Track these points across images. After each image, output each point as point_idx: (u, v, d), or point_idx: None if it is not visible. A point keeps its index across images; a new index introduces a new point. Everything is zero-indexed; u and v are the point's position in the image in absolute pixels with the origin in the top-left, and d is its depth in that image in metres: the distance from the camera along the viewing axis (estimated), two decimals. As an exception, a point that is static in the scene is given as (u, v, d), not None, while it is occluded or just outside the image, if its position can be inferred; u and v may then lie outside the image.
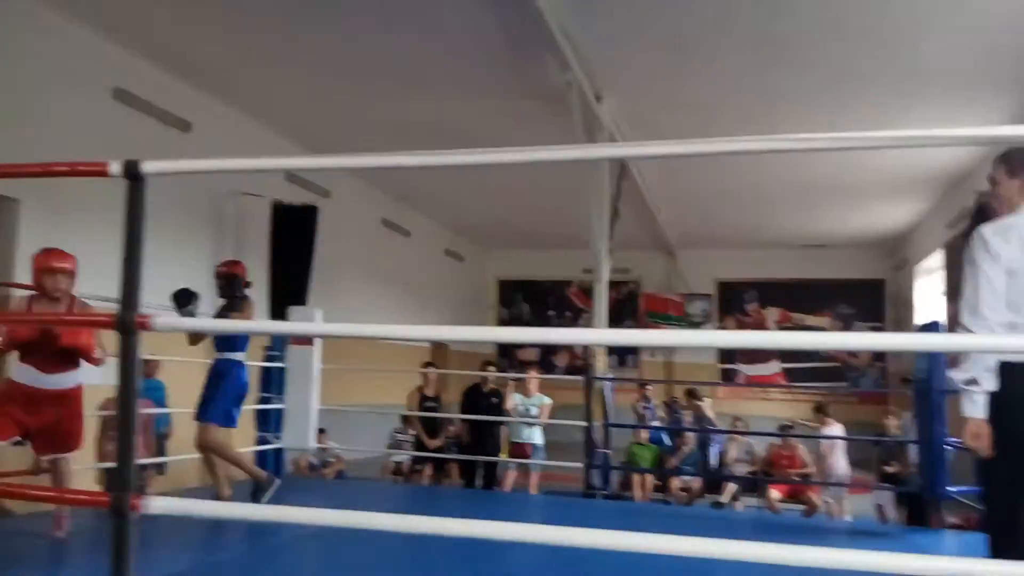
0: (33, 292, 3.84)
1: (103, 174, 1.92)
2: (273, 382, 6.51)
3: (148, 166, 1.87)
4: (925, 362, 5.78)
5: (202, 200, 8.16)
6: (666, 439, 8.25)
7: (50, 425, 3.60)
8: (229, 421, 4.75)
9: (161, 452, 6.57)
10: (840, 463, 7.47)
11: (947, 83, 7.45)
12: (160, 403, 6.66)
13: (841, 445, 7.53)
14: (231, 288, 4.84)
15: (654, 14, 6.36)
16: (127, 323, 1.77)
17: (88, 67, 6.83)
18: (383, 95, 8.15)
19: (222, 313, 4.79)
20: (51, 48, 6.46)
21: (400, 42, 6.93)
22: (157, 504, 1.67)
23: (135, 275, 1.82)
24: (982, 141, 2.09)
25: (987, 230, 2.55)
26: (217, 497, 4.60)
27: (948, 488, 5.43)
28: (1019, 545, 2.49)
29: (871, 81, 7.51)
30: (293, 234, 8.33)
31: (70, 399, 3.70)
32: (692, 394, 8.60)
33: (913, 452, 6.34)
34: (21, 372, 3.62)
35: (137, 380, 1.84)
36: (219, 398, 4.67)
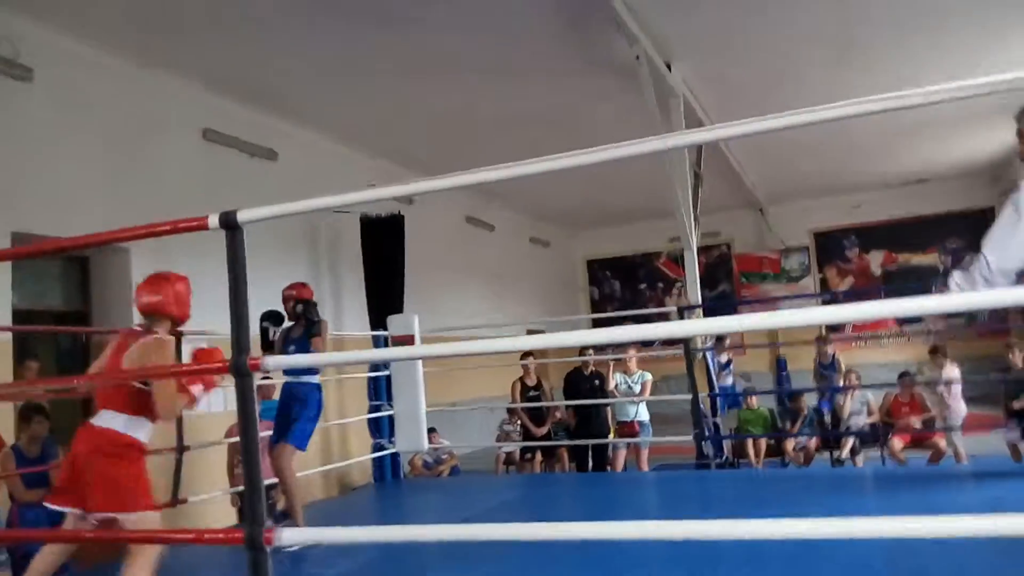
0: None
1: (203, 228, 2.10)
2: (381, 389, 6.78)
3: (243, 215, 2.04)
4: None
5: (296, 222, 8.52)
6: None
7: None
8: (305, 445, 4.71)
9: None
10: (960, 405, 7.18)
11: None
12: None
13: (959, 387, 7.23)
14: (308, 311, 4.74)
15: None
16: (241, 367, 1.93)
17: (177, 112, 7.24)
18: (456, 93, 8.28)
19: (301, 337, 4.70)
20: (142, 99, 6.89)
21: (468, 38, 7.00)
22: (289, 536, 1.82)
23: (243, 320, 1.99)
24: None
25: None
26: (293, 523, 4.49)
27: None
28: None
29: (958, 14, 7.12)
30: (383, 244, 8.59)
31: None
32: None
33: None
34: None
35: (255, 415, 2.00)
36: (302, 421, 4.65)
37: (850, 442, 7.20)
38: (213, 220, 2.05)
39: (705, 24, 7.24)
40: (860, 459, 7.13)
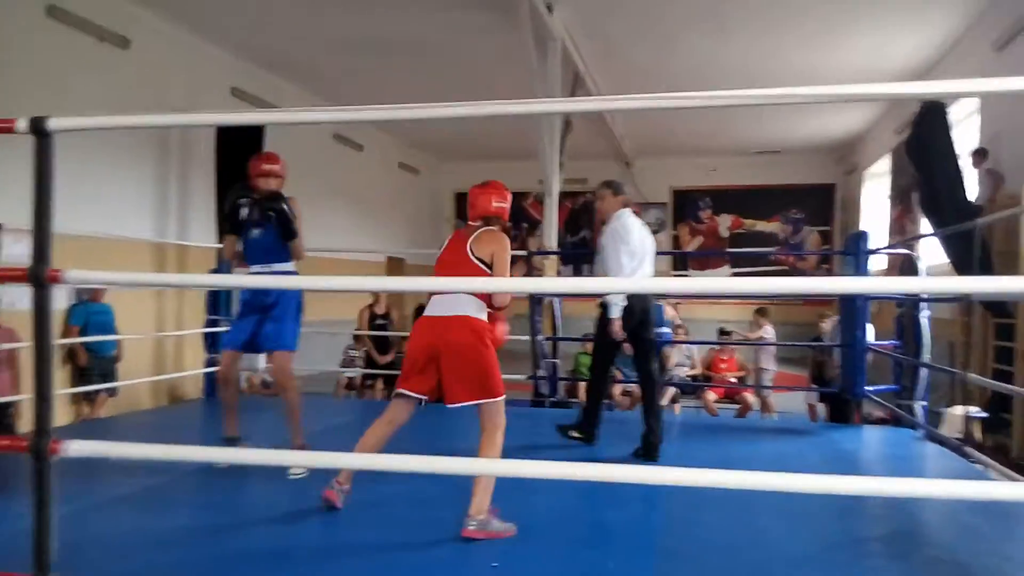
0: None
1: (9, 131, 1.97)
2: (221, 303, 6.60)
3: (54, 123, 1.93)
4: (852, 269, 6.07)
5: (143, 115, 8.00)
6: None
7: None
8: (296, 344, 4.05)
9: (111, 375, 6.71)
10: (770, 364, 7.96)
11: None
12: (108, 327, 6.75)
13: (771, 347, 7.98)
14: (284, 209, 3.89)
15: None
16: (40, 277, 1.87)
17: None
18: (333, 8, 7.94)
19: (268, 229, 3.89)
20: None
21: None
22: (76, 448, 1.82)
23: (46, 230, 1.91)
24: (890, 97, 2.16)
25: (617, 224, 4.42)
26: (292, 445, 3.96)
27: (866, 388, 5.82)
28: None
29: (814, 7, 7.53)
30: (240, 154, 8.19)
31: None
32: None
33: (838, 354, 6.73)
34: None
35: (52, 331, 1.96)
36: (290, 320, 3.99)
37: (671, 391, 7.74)
38: (21, 124, 1.92)
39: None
40: (678, 407, 7.69)
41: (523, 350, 7.09)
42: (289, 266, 4.01)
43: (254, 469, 3.86)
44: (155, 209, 8.30)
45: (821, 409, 7.72)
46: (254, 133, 8.40)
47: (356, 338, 8.24)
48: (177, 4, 7.88)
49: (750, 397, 7.61)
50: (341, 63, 9.89)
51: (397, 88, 11.01)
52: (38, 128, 1.95)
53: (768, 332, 8.10)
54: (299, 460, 3.27)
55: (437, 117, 1.97)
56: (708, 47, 9.25)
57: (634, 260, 4.41)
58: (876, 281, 2.33)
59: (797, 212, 15.60)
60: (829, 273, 15.30)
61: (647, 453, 4.40)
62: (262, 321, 3.92)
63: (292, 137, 10.15)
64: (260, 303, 3.94)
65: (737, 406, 7.63)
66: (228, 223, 3.98)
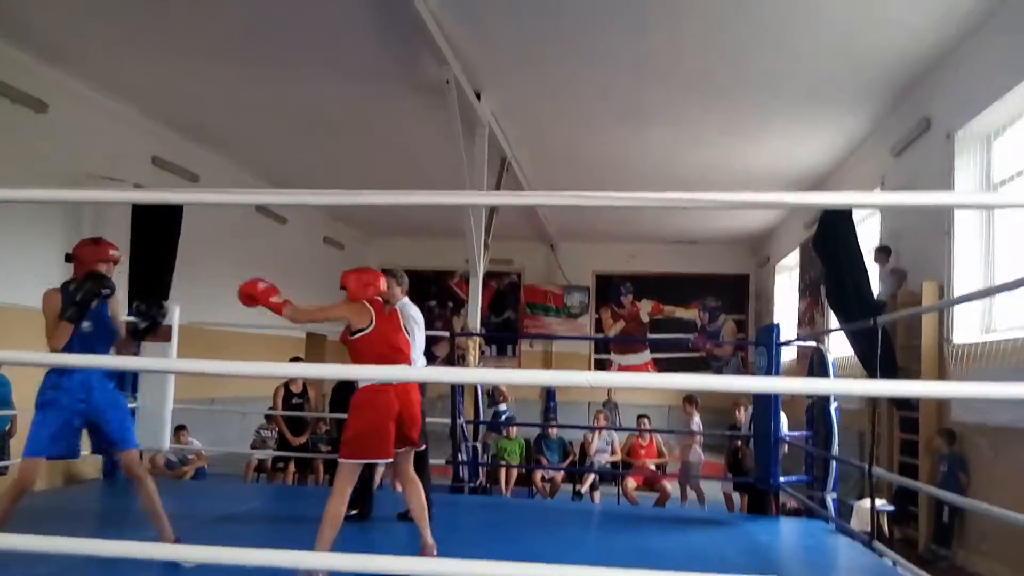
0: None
1: None
2: (126, 379, 6.29)
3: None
4: (764, 361, 6.23)
5: (58, 182, 7.70)
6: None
7: None
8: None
9: (3, 452, 6.25)
10: (698, 452, 7.93)
11: (804, 94, 7.95)
12: (4, 400, 6.32)
13: (700, 437, 7.98)
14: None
15: (532, 15, 6.47)
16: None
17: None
18: (257, 75, 7.90)
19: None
20: None
21: (272, 21, 6.71)
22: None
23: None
24: (789, 206, 2.27)
25: (412, 310, 5.04)
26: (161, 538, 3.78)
27: (779, 479, 5.90)
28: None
29: (734, 92, 7.93)
30: (157, 224, 7.99)
31: None
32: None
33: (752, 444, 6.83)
34: None
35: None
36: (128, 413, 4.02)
37: (591, 478, 7.69)
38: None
39: (515, 62, 7.53)
40: (598, 495, 7.64)
41: (444, 432, 6.97)
42: None
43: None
44: (60, 278, 7.91)
45: (738, 498, 7.79)
46: (174, 210, 8.19)
47: (268, 418, 7.94)
48: (97, 69, 7.72)
49: (668, 485, 7.61)
50: (267, 134, 9.84)
51: (324, 160, 11.00)
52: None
53: (696, 422, 8.01)
54: (190, 555, 3.06)
55: (365, 204, 1.95)
56: (628, 137, 9.62)
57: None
58: (787, 382, 2.40)
59: (714, 300, 16.08)
60: (744, 361, 15.71)
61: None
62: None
63: (214, 207, 9.95)
64: None
65: (656, 494, 7.60)
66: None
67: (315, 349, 13.64)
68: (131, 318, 3.91)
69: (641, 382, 1.87)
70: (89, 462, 7.49)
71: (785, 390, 5.01)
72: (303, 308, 3.77)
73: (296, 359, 8.42)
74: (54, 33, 6.98)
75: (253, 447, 7.93)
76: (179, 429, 7.47)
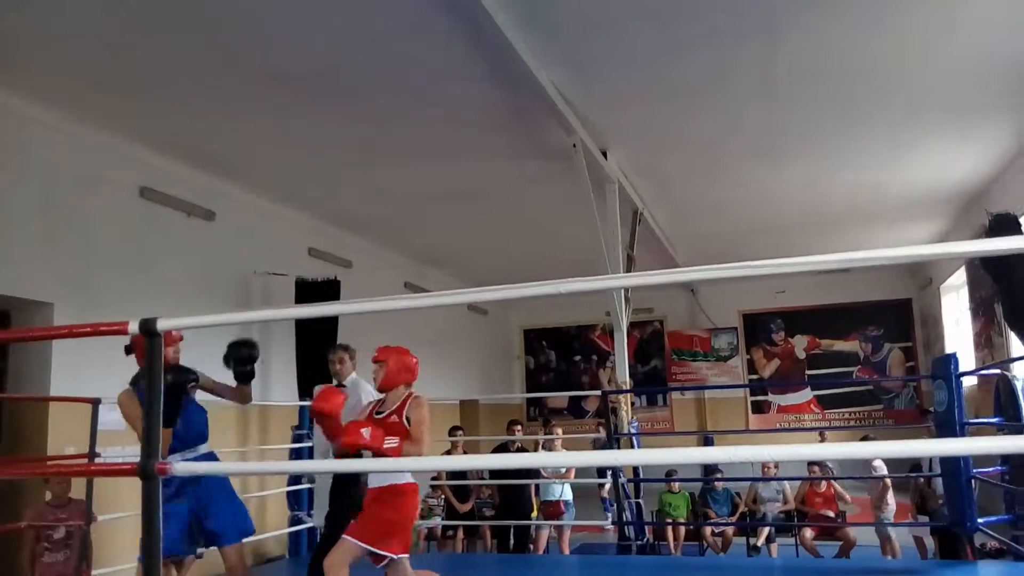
0: None
1: (123, 333, 2.12)
2: (304, 457, 6.68)
3: (163, 323, 2.08)
4: (944, 395, 5.81)
5: (228, 281, 8.44)
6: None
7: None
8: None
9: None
10: (891, 499, 7.32)
11: (950, 108, 7.53)
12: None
13: (890, 480, 7.30)
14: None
15: (649, 67, 6.50)
16: (148, 471, 1.96)
17: (115, 170, 7.18)
18: (395, 166, 8.42)
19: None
20: (80, 155, 6.82)
21: (409, 118, 7.15)
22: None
23: (156, 426, 2.01)
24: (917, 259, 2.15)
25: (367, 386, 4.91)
26: None
27: (977, 521, 5.42)
28: None
29: (875, 112, 7.61)
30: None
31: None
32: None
33: (939, 483, 6.34)
34: None
35: (159, 517, 2.02)
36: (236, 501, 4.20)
37: (766, 531, 7.35)
38: (133, 326, 2.08)
39: (638, 116, 7.57)
40: (775, 547, 7.28)
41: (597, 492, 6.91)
42: None
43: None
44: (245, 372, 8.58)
45: (931, 542, 7.20)
46: (331, 287, 8.77)
47: (434, 487, 8.17)
48: (257, 176, 8.46)
49: (850, 533, 7.14)
50: (409, 216, 10.35)
51: (463, 233, 11.42)
52: (148, 329, 2.10)
53: (879, 465, 7.32)
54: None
55: (520, 296, 2.05)
56: (763, 177, 9.39)
57: None
58: (980, 443, 2.23)
59: (875, 329, 15.16)
60: (917, 392, 14.65)
61: None
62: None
63: (366, 287, 10.53)
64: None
65: (838, 543, 7.15)
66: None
67: (469, 414, 13.94)
68: (238, 367, 3.93)
69: (800, 453, 1.82)
70: (273, 540, 7.97)
71: (978, 450, 4.63)
72: (416, 437, 3.77)
73: (456, 428, 8.64)
74: (225, 153, 7.74)
75: (421, 517, 8.15)
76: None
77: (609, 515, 8.05)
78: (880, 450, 1.68)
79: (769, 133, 8.14)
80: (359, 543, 3.62)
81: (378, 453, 3.54)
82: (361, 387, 5.16)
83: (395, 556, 3.70)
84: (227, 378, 4.38)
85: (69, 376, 6.22)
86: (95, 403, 4.76)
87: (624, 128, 7.87)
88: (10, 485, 6.38)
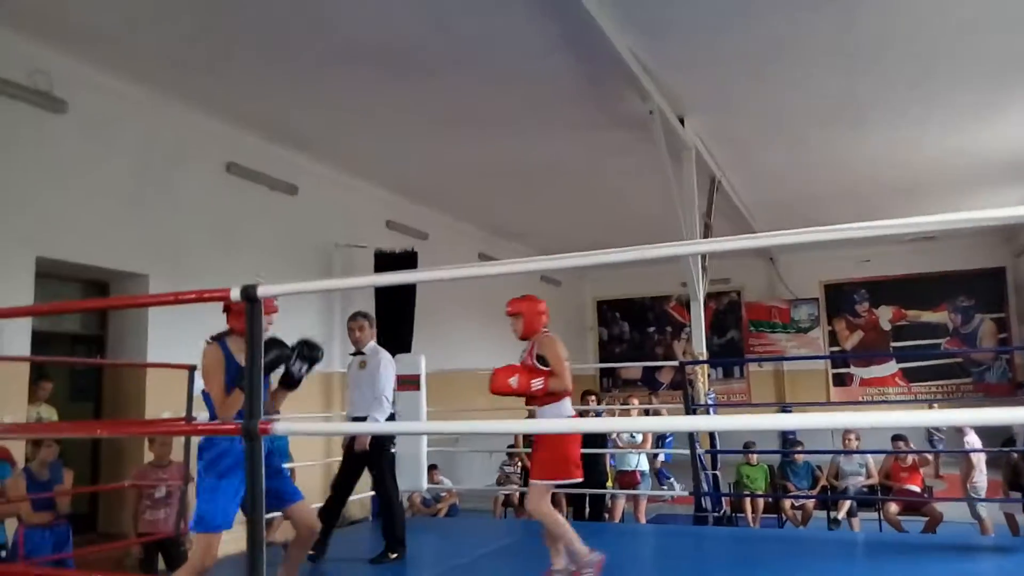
0: None
1: (225, 299, 2.23)
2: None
3: (262, 290, 2.17)
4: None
5: (310, 253, 8.70)
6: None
7: None
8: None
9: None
10: (981, 475, 7.03)
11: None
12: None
13: (982, 456, 6.96)
14: None
15: (727, 32, 6.38)
16: (252, 431, 2.06)
17: (203, 145, 7.46)
18: (473, 139, 8.48)
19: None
20: (170, 131, 7.13)
21: (486, 90, 7.21)
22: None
23: (257, 388, 2.11)
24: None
25: (385, 355, 5.24)
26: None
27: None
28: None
29: (957, 76, 7.27)
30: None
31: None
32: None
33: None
34: None
35: (263, 480, 2.12)
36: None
37: (847, 504, 7.21)
38: (235, 293, 2.18)
39: (715, 82, 7.42)
40: (857, 522, 7.14)
41: (680, 461, 6.90)
42: None
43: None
44: (321, 340, 8.85)
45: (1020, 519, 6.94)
46: (409, 258, 8.95)
47: (510, 454, 8.29)
48: (337, 150, 8.65)
49: (937, 509, 6.93)
50: (484, 188, 10.42)
51: (538, 205, 11.42)
52: (249, 295, 2.20)
53: (972, 439, 7.00)
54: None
55: (596, 264, 2.06)
56: (844, 140, 9.06)
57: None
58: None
59: (965, 299, 14.52)
60: (1011, 364, 14.02)
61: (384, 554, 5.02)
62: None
63: (441, 258, 10.68)
64: None
65: (924, 519, 6.96)
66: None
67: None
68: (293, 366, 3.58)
69: (892, 421, 1.77)
70: (355, 504, 8.24)
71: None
72: (556, 371, 3.98)
73: (588, 393, 8.74)
74: (306, 128, 7.94)
75: (498, 483, 8.30)
76: (431, 468, 8.01)
77: (666, 488, 8.06)
78: (968, 417, 1.64)
79: (848, 99, 7.85)
80: (545, 482, 3.91)
81: (528, 396, 3.87)
82: (381, 355, 5.26)
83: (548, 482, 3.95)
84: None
85: (163, 345, 6.54)
86: (191, 369, 4.99)
87: (701, 94, 7.71)
88: (114, 448, 6.80)
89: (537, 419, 3.10)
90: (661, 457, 8.41)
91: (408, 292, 8.69)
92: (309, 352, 3.54)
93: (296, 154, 8.52)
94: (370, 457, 5.23)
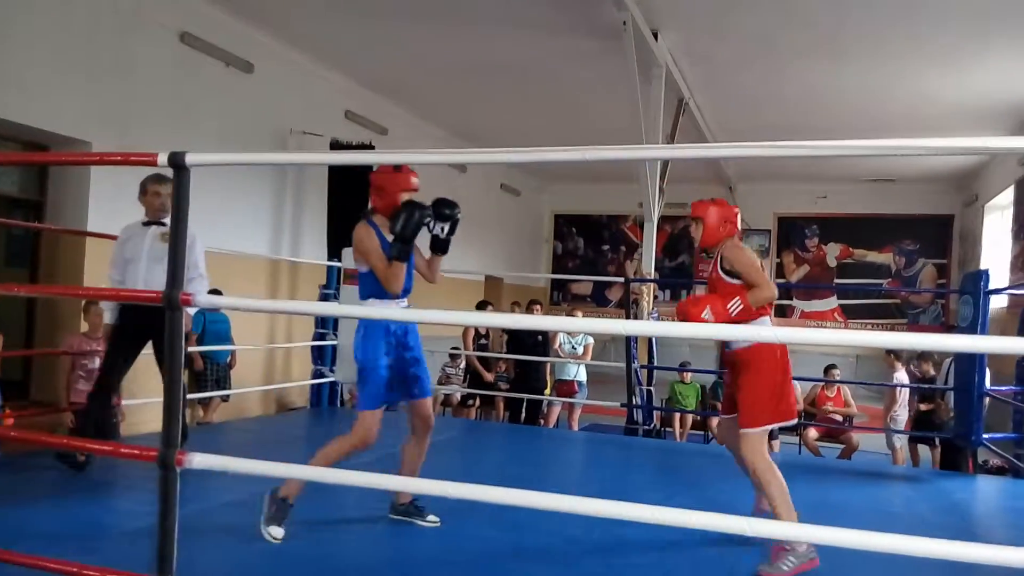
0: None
1: (152, 163, 2.15)
2: (328, 319, 6.87)
3: (191, 158, 2.10)
4: (969, 311, 5.77)
5: (263, 137, 8.44)
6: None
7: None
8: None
9: (225, 382, 7.06)
10: (903, 411, 7.38)
11: (1017, 19, 7.09)
12: (224, 335, 7.11)
13: (906, 391, 7.32)
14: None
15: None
16: (173, 300, 2.03)
17: (157, 13, 7.08)
18: (438, 32, 8.19)
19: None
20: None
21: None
22: (199, 460, 1.95)
23: (181, 257, 2.07)
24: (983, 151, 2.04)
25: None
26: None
27: (982, 436, 5.50)
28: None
29: (941, 17, 7.21)
30: (350, 174, 8.54)
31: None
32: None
33: (951, 397, 6.38)
34: None
35: (183, 350, 2.11)
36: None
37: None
38: (162, 158, 2.10)
39: (695, -2, 7.25)
40: (778, 444, 7.46)
41: (618, 375, 7.06)
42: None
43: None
44: (271, 227, 8.74)
45: (927, 453, 7.36)
46: (367, 151, 8.73)
47: (452, 356, 8.40)
48: (298, 31, 8.29)
49: (854, 437, 7.29)
50: (449, 87, 10.16)
51: (503, 110, 11.20)
52: (177, 163, 2.13)
53: (901, 376, 7.38)
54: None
55: (548, 160, 2.03)
56: (821, 73, 9.00)
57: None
58: (998, 341, 2.22)
59: (911, 243, 14.89)
60: (945, 310, 14.53)
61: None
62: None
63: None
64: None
65: (841, 446, 7.32)
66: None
67: (493, 291, 14.14)
68: (433, 229, 3.36)
69: (835, 338, 1.83)
70: (296, 391, 8.33)
71: (995, 349, 4.59)
72: (755, 282, 3.24)
73: (484, 303, 8.80)
74: (265, 1, 7.55)
75: (439, 383, 8.43)
76: (373, 365, 8.09)
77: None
78: (890, 340, 1.69)
79: (831, 28, 7.75)
80: (755, 429, 3.15)
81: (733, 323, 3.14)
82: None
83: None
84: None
85: (106, 217, 6.36)
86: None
87: (678, 7, 7.53)
88: (49, 316, 6.68)
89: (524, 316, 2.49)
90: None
91: (363, 185, 8.50)
92: (447, 210, 3.35)
93: (255, 30, 8.16)
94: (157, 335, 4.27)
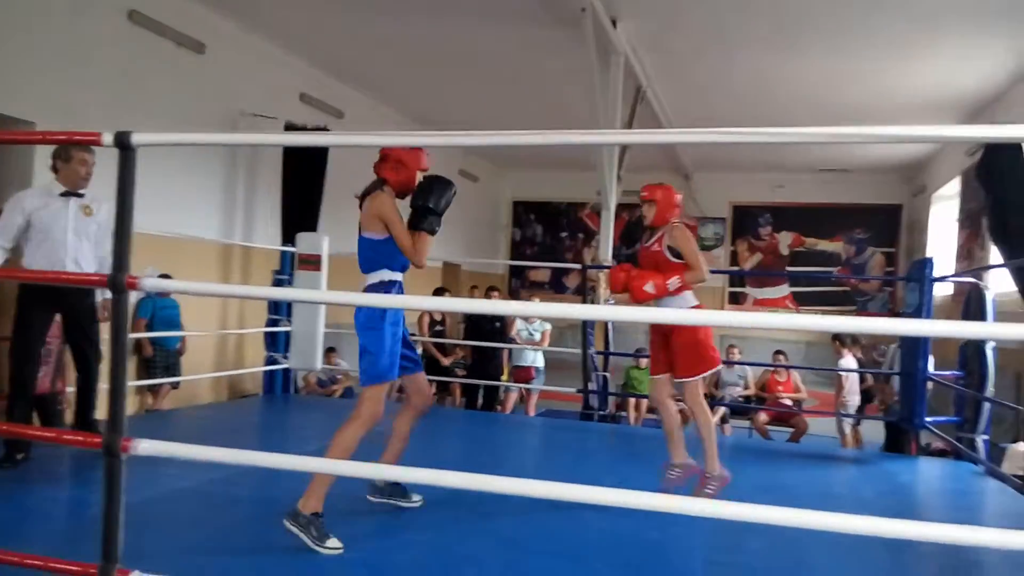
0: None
1: (97, 143, 2.09)
2: (282, 304, 6.79)
3: (137, 138, 2.04)
4: (915, 298, 5.93)
5: (215, 119, 8.25)
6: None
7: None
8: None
9: (175, 368, 6.94)
10: (854, 397, 7.58)
11: (965, 14, 7.26)
12: (174, 321, 6.98)
13: (855, 376, 7.53)
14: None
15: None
16: (118, 283, 1.98)
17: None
18: (396, 16, 8.08)
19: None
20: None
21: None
22: (145, 447, 1.91)
23: (127, 239, 2.02)
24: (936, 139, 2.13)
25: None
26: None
27: (925, 419, 5.67)
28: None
29: (896, 11, 7.35)
30: (305, 157, 8.41)
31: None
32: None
33: (896, 381, 6.57)
34: None
35: (127, 334, 2.06)
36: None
37: (721, 411, 7.65)
38: (107, 138, 2.04)
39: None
40: (729, 428, 7.60)
41: (574, 361, 7.12)
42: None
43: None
44: (222, 210, 8.57)
45: (869, 435, 7.56)
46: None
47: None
48: (251, 11, 8.12)
49: (802, 422, 7.46)
50: (407, 72, 10.06)
51: (461, 95, 11.14)
52: (122, 143, 2.07)
53: (848, 361, 7.57)
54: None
55: (507, 144, 2.03)
56: (774, 64, 9.12)
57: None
58: (941, 325, 2.31)
59: (861, 232, 15.24)
60: (892, 297, 14.91)
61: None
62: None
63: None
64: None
65: (791, 430, 7.49)
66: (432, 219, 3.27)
67: (451, 277, 14.09)
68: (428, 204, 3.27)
69: (784, 322, 1.86)
70: (249, 377, 8.22)
71: (937, 332, 4.71)
72: (693, 264, 3.76)
73: (441, 290, 8.77)
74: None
75: (395, 369, 8.41)
76: (329, 351, 8.01)
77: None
78: (837, 324, 1.73)
79: (786, 19, 7.84)
80: (694, 378, 3.80)
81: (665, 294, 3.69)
82: (108, 203, 4.02)
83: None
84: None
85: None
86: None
87: (637, -3, 7.55)
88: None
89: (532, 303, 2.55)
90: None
91: (318, 170, 8.41)
92: (442, 189, 3.34)
93: (206, 9, 7.96)
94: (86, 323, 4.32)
